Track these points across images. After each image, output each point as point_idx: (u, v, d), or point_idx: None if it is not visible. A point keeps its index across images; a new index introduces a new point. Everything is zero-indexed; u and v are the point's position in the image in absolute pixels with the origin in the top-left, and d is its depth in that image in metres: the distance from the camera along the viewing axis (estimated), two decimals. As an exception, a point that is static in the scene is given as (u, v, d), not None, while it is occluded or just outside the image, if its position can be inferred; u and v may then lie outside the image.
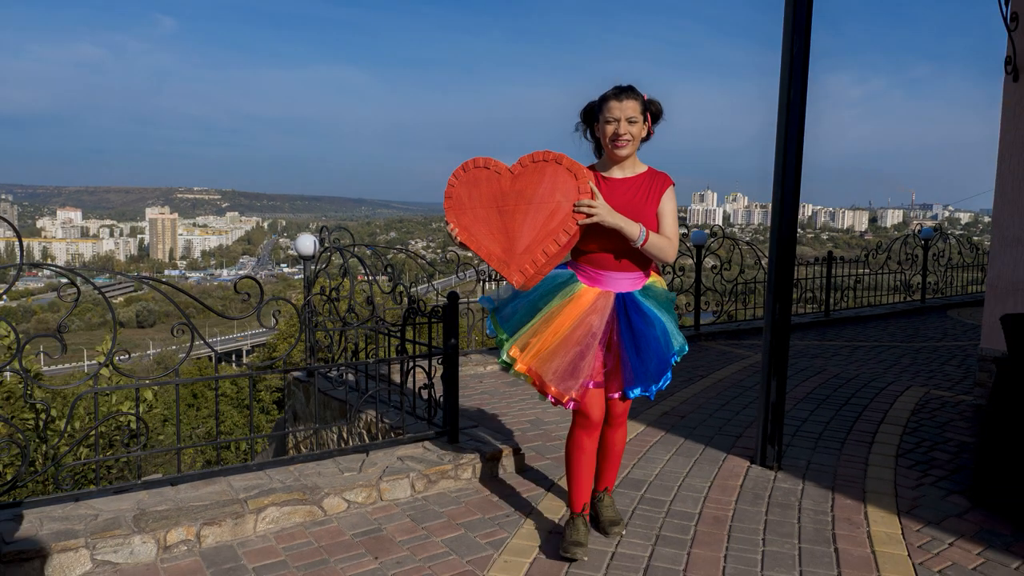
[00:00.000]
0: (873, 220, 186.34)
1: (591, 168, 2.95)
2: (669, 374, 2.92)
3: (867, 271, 9.65)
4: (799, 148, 3.77)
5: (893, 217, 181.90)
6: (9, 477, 2.98)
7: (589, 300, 2.85)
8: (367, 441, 4.53)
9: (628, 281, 2.89)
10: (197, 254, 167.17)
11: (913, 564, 2.95)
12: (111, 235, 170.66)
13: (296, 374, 5.94)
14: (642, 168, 2.95)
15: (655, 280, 3.01)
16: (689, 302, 7.77)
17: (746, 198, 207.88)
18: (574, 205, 2.65)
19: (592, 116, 2.94)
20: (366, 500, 3.42)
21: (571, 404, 2.80)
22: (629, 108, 2.79)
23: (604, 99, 2.84)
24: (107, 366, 3.07)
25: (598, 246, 2.84)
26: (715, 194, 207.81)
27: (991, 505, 3.44)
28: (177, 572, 2.83)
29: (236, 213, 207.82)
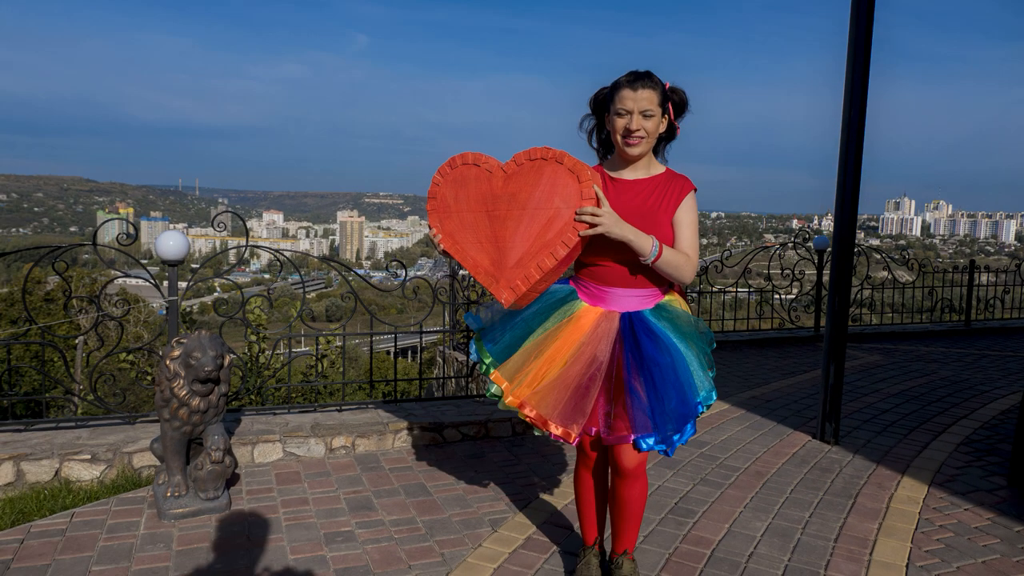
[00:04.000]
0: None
1: (599, 166, 2.56)
2: (692, 424, 2.41)
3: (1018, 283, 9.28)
4: (858, 156, 4.28)
5: None
6: (231, 393, 4.29)
7: (590, 323, 2.46)
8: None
9: (637, 299, 2.48)
10: (380, 255, 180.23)
11: (919, 519, 3.43)
12: (307, 236, 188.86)
13: (439, 347, 7.18)
14: (659, 169, 2.52)
15: (672, 299, 2.56)
16: (809, 304, 8.09)
17: (950, 206, 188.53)
18: (575, 213, 2.24)
19: (603, 106, 2.53)
20: (476, 434, 4.41)
21: (576, 441, 2.46)
22: (644, 99, 2.36)
23: (616, 87, 2.42)
24: (298, 319, 4.31)
25: (606, 259, 2.44)
26: (913, 202, 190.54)
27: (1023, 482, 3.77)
28: (338, 466, 3.97)
29: (416, 217, 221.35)
